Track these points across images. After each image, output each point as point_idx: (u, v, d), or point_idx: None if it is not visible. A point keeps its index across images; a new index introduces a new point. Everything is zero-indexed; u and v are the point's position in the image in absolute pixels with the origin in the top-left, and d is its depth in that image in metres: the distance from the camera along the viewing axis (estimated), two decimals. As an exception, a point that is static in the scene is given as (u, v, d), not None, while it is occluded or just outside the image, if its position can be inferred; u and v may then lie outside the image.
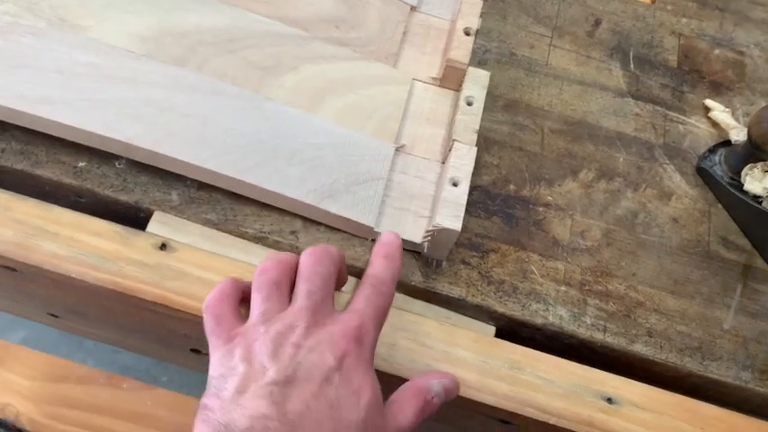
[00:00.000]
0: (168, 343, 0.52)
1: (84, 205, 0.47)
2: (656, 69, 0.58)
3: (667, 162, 0.54)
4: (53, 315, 0.55)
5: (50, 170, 0.46)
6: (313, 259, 0.39)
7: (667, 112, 0.56)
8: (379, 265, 0.41)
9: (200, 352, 0.51)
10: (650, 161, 0.54)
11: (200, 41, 0.47)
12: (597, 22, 0.60)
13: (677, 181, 0.53)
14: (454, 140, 0.46)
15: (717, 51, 0.60)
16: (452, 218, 0.43)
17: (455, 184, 0.44)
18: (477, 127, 0.47)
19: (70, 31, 0.46)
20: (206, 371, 0.36)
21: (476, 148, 0.46)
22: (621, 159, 0.53)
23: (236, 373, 0.35)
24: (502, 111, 0.54)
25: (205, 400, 0.35)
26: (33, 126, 0.44)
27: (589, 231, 0.50)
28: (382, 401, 0.38)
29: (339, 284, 0.42)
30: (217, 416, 0.33)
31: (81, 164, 0.46)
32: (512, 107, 0.54)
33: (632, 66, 0.58)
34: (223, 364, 0.36)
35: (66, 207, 0.45)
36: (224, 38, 0.48)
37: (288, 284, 0.39)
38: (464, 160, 0.45)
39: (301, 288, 0.38)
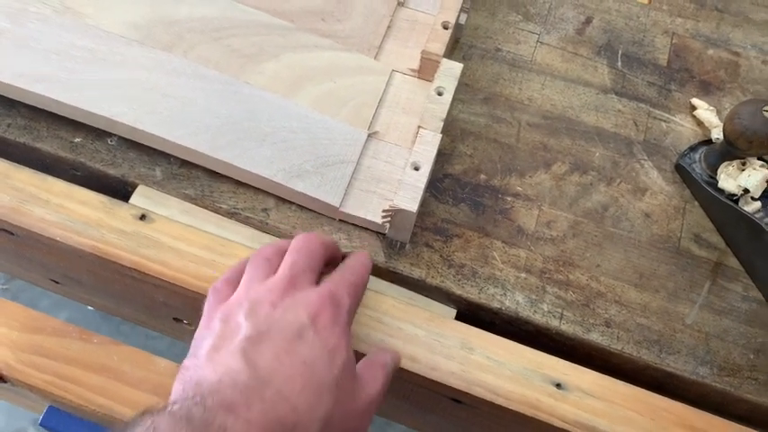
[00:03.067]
0: (154, 312, 0.56)
1: (79, 178, 0.51)
2: (645, 67, 0.58)
3: (645, 158, 0.54)
4: (54, 281, 0.59)
5: (49, 144, 0.50)
6: (302, 238, 0.41)
7: (651, 109, 0.56)
8: (353, 259, 0.43)
9: (181, 321, 0.54)
10: (627, 157, 0.54)
11: (188, 30, 0.51)
12: (588, 20, 0.61)
13: (654, 177, 0.53)
14: (420, 127, 0.48)
15: (711, 51, 0.60)
16: (409, 200, 0.45)
17: (416, 168, 0.46)
18: (444, 116, 0.48)
19: (72, 17, 0.50)
20: (190, 341, 0.38)
21: (440, 135, 0.48)
22: (598, 154, 0.54)
23: (213, 332, 0.36)
24: (481, 104, 0.55)
25: (185, 361, 0.36)
26: (32, 102, 0.48)
27: (556, 222, 0.51)
28: (355, 368, 0.39)
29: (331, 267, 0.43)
30: (190, 373, 0.35)
31: (77, 139, 0.50)
32: (491, 100, 0.55)
33: (620, 64, 0.58)
34: (203, 327, 0.37)
35: (65, 180, 0.49)
36: (211, 27, 0.51)
37: (279, 263, 0.40)
38: (427, 146, 0.47)
39: (285, 259, 0.40)
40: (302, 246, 0.40)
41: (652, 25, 0.61)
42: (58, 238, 0.46)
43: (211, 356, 0.35)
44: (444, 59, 0.51)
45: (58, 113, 0.49)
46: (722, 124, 0.54)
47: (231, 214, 0.48)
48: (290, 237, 0.48)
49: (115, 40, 0.50)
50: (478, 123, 0.54)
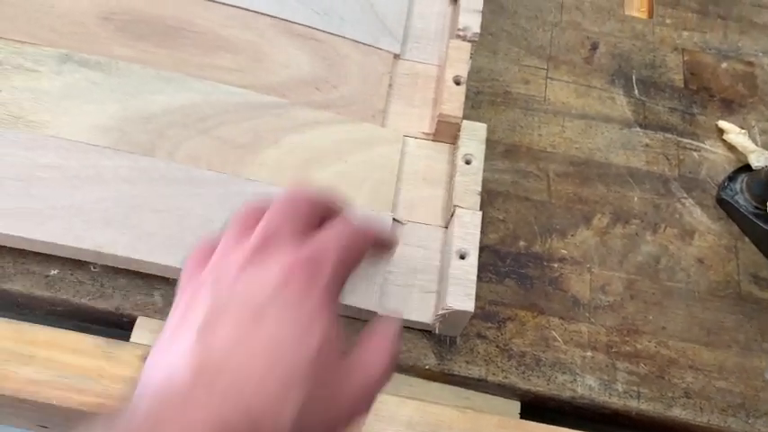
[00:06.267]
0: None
1: (60, 313, 0.43)
2: (662, 92, 0.54)
3: (685, 196, 0.50)
4: (43, 426, 0.51)
5: (20, 283, 0.42)
6: (285, 192, 0.34)
7: (679, 139, 0.52)
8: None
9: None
10: (667, 197, 0.50)
11: (168, 124, 0.43)
12: (594, 46, 0.56)
13: (698, 216, 0.49)
14: (455, 206, 0.42)
15: (724, 65, 0.56)
16: (464, 297, 0.39)
17: (462, 257, 0.41)
18: (480, 188, 0.43)
19: (26, 129, 0.42)
20: None
21: (480, 213, 0.42)
22: (636, 198, 0.49)
23: (178, 310, 0.30)
24: (502, 158, 0.50)
25: (155, 341, 0.30)
26: (-4, 242, 0.40)
27: (610, 285, 0.46)
28: (342, 344, 0.31)
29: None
30: (148, 362, 0.29)
31: (53, 272, 0.42)
32: (512, 152, 0.50)
33: (636, 91, 0.54)
34: (174, 303, 0.31)
35: (42, 317, 0.41)
36: (195, 117, 0.44)
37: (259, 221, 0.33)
38: (469, 228, 0.41)
39: (263, 218, 0.32)
40: (282, 200, 0.33)
41: (660, 42, 0.57)
42: (54, 402, 0.38)
43: (169, 342, 0.29)
44: (465, 121, 0.45)
45: (30, 249, 0.41)
46: (759, 148, 0.51)
47: (253, 335, 0.42)
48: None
49: (84, 151, 0.42)
50: (504, 181, 0.49)
